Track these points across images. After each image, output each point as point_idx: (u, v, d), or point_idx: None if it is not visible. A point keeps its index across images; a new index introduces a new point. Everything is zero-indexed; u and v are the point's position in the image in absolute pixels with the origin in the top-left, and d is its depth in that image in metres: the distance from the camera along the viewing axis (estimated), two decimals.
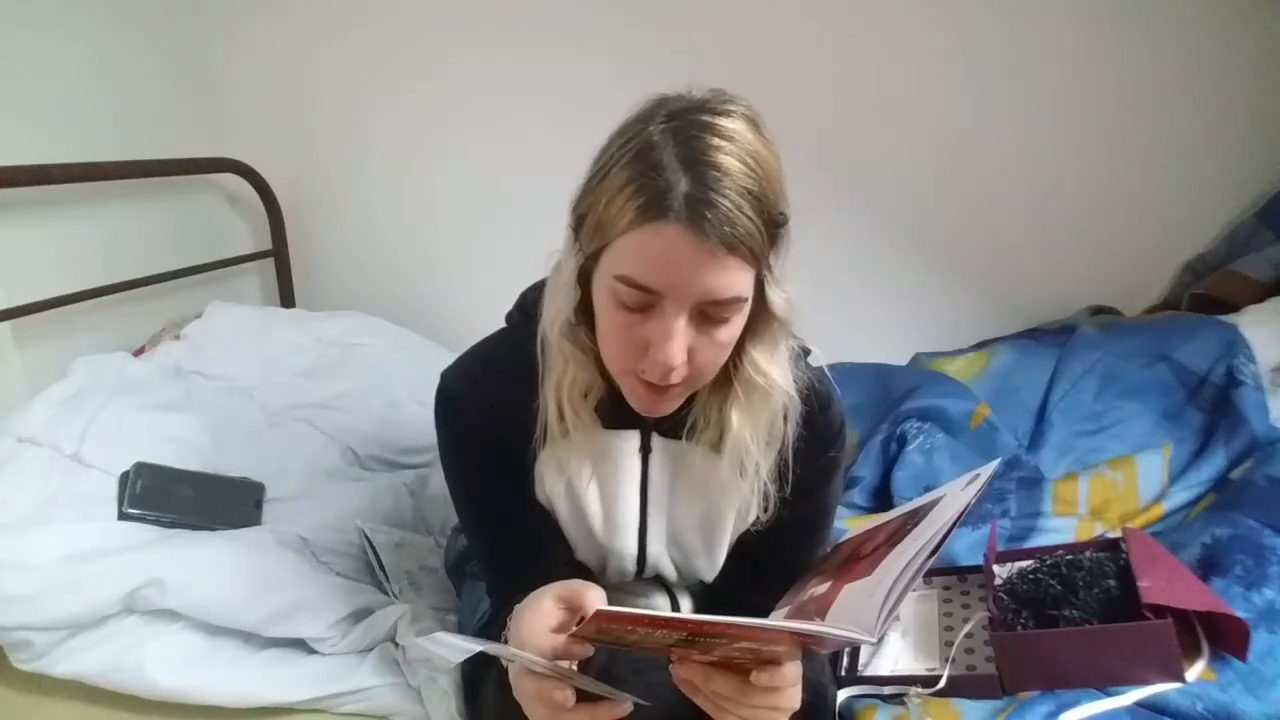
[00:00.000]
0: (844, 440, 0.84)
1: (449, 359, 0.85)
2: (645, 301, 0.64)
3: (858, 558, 0.76)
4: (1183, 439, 1.25)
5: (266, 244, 1.90)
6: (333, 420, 1.44)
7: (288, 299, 1.94)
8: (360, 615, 1.03)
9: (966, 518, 0.67)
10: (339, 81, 1.84)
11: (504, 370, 0.79)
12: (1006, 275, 1.69)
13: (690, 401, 0.75)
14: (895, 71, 1.61)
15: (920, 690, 0.85)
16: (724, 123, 0.62)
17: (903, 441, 1.32)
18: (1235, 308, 1.44)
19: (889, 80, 1.62)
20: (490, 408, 0.80)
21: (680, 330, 0.64)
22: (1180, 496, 1.17)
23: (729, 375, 0.72)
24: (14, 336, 1.38)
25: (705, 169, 0.60)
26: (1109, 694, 0.84)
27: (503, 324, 0.86)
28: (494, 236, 1.80)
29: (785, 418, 0.75)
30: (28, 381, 1.36)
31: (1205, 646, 0.83)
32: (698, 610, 0.93)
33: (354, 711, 0.95)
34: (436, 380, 0.83)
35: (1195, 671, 0.81)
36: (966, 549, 1.12)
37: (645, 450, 0.81)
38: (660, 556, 0.86)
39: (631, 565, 0.86)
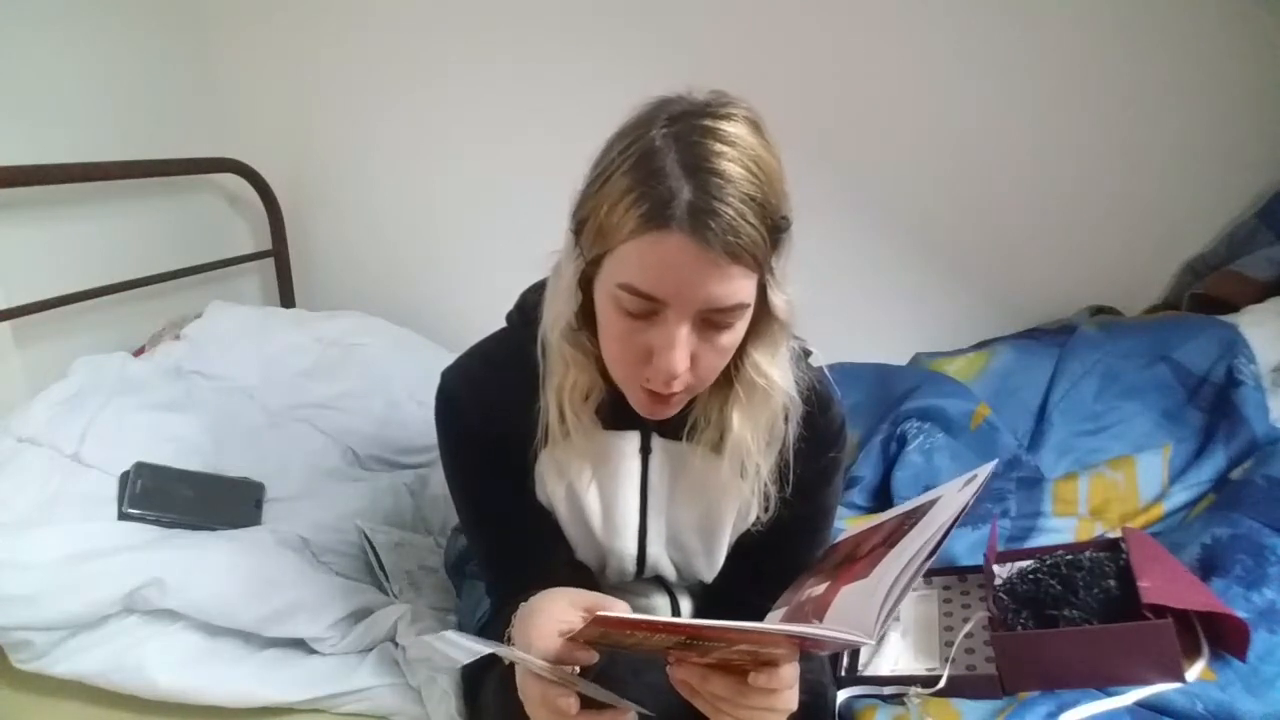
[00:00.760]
0: (844, 441, 0.84)
1: (449, 359, 0.85)
2: (648, 309, 0.63)
3: (855, 558, 0.76)
4: (1183, 439, 1.25)
5: (266, 244, 1.89)
6: (333, 420, 1.44)
7: (288, 299, 1.93)
8: (360, 615, 1.03)
9: (966, 518, 0.67)
10: (339, 82, 1.84)
11: (504, 370, 0.79)
12: (1006, 275, 1.69)
13: (691, 402, 0.75)
14: (895, 71, 1.61)
15: (920, 690, 0.85)
16: (726, 127, 0.61)
17: (903, 441, 1.32)
18: (1235, 308, 1.43)
19: (889, 80, 1.62)
20: (490, 408, 0.80)
21: (683, 338, 0.64)
22: (1180, 496, 1.17)
23: (730, 376, 0.72)
24: (14, 336, 1.38)
25: (708, 176, 0.59)
26: (1109, 694, 0.84)
27: (503, 324, 0.86)
28: (494, 236, 1.79)
29: (786, 418, 0.75)
30: (28, 381, 1.36)
31: (1205, 646, 0.83)
32: (697, 611, 0.93)
33: (354, 711, 0.95)
34: (436, 380, 0.83)
35: (1195, 671, 0.81)
36: (966, 549, 1.12)
37: (645, 451, 0.82)
38: (660, 557, 0.86)
39: (631, 566, 0.86)
